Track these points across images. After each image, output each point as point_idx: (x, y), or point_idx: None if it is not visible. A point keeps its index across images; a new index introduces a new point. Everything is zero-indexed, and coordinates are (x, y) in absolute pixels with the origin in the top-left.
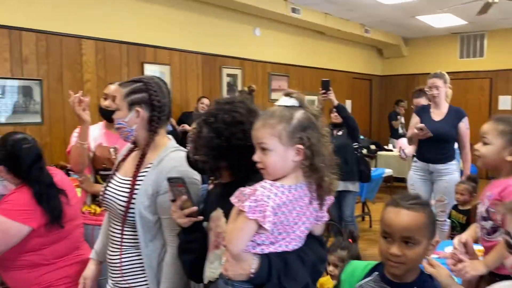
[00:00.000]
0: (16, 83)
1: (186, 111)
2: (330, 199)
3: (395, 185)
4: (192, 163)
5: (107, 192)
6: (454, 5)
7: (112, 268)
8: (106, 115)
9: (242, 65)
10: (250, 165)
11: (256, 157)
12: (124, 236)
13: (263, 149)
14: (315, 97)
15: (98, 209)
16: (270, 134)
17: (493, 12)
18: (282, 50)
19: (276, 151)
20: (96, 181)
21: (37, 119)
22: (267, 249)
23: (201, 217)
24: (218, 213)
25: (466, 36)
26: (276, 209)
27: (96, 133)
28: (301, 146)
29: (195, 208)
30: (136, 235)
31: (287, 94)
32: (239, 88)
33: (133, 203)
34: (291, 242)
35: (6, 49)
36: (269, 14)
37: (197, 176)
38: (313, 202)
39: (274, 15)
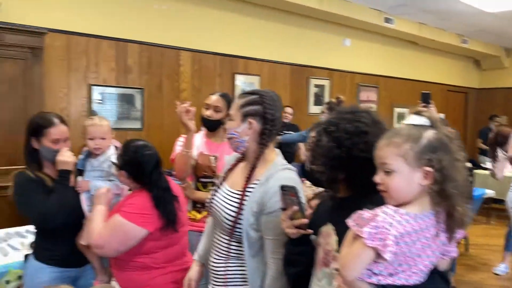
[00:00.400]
0: (120, 91)
1: None
2: (461, 233)
3: (493, 207)
4: (307, 173)
5: (214, 201)
6: None
7: (216, 275)
8: (207, 125)
9: (330, 76)
10: (370, 182)
11: (378, 178)
12: (231, 248)
13: (386, 171)
14: (405, 110)
15: (198, 216)
16: (395, 154)
17: None
18: (372, 60)
19: (401, 173)
20: (197, 188)
21: (138, 125)
22: (384, 281)
23: (310, 231)
24: (328, 229)
25: None
26: (398, 239)
27: (198, 141)
28: (429, 169)
29: (305, 221)
30: (242, 248)
31: (417, 112)
32: (326, 99)
33: (240, 219)
34: (412, 276)
35: (113, 59)
36: (361, 24)
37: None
38: (440, 234)
39: (365, 25)
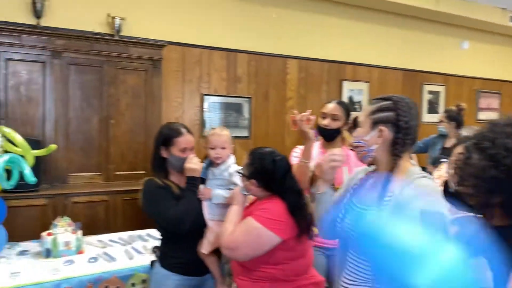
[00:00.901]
0: (230, 100)
1: None
2: None
3: None
4: (451, 194)
5: (346, 221)
6: None
7: None
8: (325, 134)
9: (445, 82)
10: None
11: None
12: (368, 270)
13: None
14: None
15: (316, 230)
16: None
17: None
18: (493, 64)
19: None
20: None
21: (245, 133)
22: None
23: None
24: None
25: None
26: None
27: (315, 152)
28: None
29: None
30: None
31: None
32: (441, 106)
33: None
34: None
35: (224, 69)
36: (481, 24)
37: (445, 209)
38: None
39: (487, 26)
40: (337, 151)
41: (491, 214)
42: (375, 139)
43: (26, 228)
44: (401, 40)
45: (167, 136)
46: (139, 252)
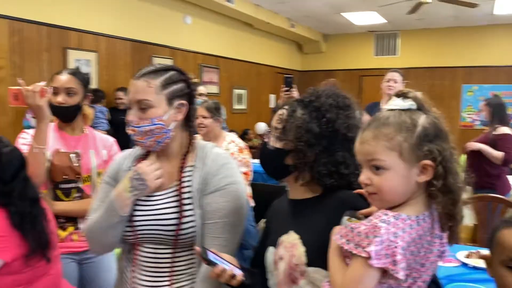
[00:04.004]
0: None
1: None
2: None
3: None
4: (267, 154)
5: (138, 218)
6: (384, 4)
7: None
8: (61, 114)
9: (173, 55)
10: (341, 175)
11: (364, 177)
12: (176, 261)
13: (377, 168)
14: (243, 91)
15: (63, 233)
16: (387, 148)
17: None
18: (213, 41)
19: (396, 170)
20: (57, 198)
21: None
22: None
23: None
24: (292, 238)
25: (382, 34)
26: (406, 250)
27: (49, 136)
28: (429, 162)
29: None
30: (191, 257)
31: (401, 94)
32: None
33: (184, 222)
34: None
35: None
36: (202, 1)
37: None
38: (435, 236)
39: (206, 3)
40: (144, 169)
41: (300, 179)
42: (173, 117)
43: None
44: (129, 8)
45: None
46: None
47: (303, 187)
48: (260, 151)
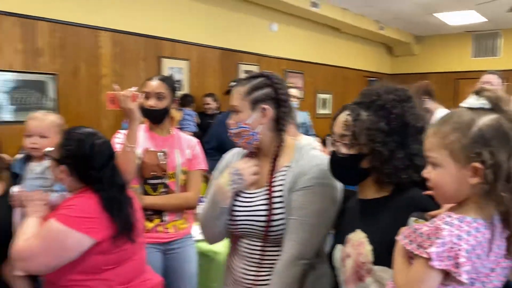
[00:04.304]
0: (31, 77)
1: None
2: None
3: None
4: (338, 162)
5: (236, 213)
6: (480, 2)
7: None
8: (152, 116)
9: (259, 61)
10: (408, 176)
11: (426, 172)
12: (266, 255)
13: (433, 164)
14: (328, 96)
15: (150, 225)
16: (439, 146)
17: None
18: (298, 46)
19: (447, 169)
20: (145, 192)
21: None
22: None
23: None
24: (359, 236)
25: (481, 34)
26: (470, 253)
27: (140, 137)
28: (478, 165)
29: None
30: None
31: (478, 92)
32: None
33: (273, 219)
34: None
35: (19, 40)
36: (288, 7)
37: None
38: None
39: (292, 9)
40: (241, 166)
41: (368, 186)
42: (259, 120)
43: None
44: (219, 18)
45: None
46: None
47: (374, 187)
48: (330, 161)
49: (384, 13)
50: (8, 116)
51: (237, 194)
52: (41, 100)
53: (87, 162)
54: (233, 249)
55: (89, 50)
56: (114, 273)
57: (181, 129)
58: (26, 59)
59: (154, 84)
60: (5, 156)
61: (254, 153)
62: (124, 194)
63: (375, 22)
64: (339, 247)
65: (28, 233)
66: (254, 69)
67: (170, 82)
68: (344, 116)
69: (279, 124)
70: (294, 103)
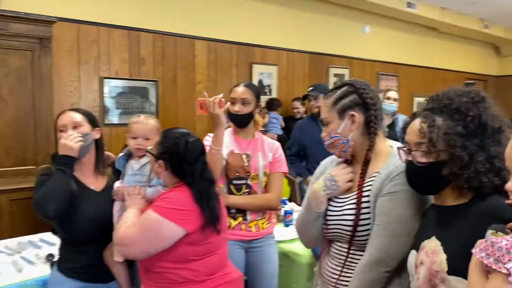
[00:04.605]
0: (133, 84)
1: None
2: None
3: None
4: (419, 173)
5: (328, 217)
6: None
7: (328, 282)
8: (237, 121)
9: (350, 65)
10: (488, 182)
11: (509, 185)
12: (349, 257)
13: None
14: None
15: (234, 222)
16: None
17: None
18: (392, 48)
19: None
20: (230, 192)
21: None
22: None
23: None
24: (434, 244)
25: None
26: None
27: (226, 139)
28: None
29: None
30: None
31: None
32: None
33: (359, 224)
34: None
35: (125, 50)
36: (381, 9)
37: None
38: None
39: (386, 11)
40: (336, 172)
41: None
42: (348, 127)
43: None
44: (307, 22)
45: (56, 119)
46: (30, 262)
47: (452, 193)
48: (408, 172)
49: (489, 11)
50: (114, 119)
51: (330, 199)
52: (143, 104)
53: (181, 157)
54: (326, 251)
55: (186, 58)
56: (201, 264)
57: (266, 131)
58: (131, 67)
59: (240, 90)
60: (110, 154)
61: (350, 160)
62: (213, 188)
63: (479, 20)
64: (413, 253)
65: (129, 222)
66: (345, 72)
67: (254, 88)
68: (417, 124)
69: (370, 127)
70: (394, 105)
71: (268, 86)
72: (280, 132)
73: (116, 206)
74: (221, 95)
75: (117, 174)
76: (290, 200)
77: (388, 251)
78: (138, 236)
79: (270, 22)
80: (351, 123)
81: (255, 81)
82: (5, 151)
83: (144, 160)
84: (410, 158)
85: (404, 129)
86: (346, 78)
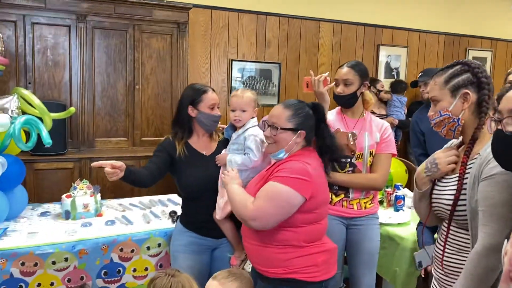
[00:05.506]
0: (259, 66)
1: None
2: None
3: None
4: (505, 141)
5: (434, 196)
6: None
7: (436, 261)
8: (340, 102)
9: (493, 47)
10: None
11: None
12: (450, 234)
13: None
14: None
15: (335, 198)
16: None
17: None
18: None
19: None
20: (334, 169)
21: (274, 101)
22: None
23: None
24: None
25: None
26: None
27: (332, 117)
28: None
29: None
30: (462, 235)
31: None
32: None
33: (459, 204)
34: None
35: (253, 33)
36: None
37: None
38: None
39: None
40: (439, 155)
41: None
42: (460, 106)
43: (52, 190)
44: (441, 1)
45: (195, 94)
46: (156, 216)
47: None
48: (493, 141)
49: None
50: None
51: (436, 180)
52: (266, 86)
53: (316, 120)
54: (439, 230)
55: (310, 40)
56: (304, 231)
57: (388, 115)
58: (257, 50)
59: (343, 71)
60: (220, 125)
61: (461, 143)
62: (327, 162)
63: None
64: (505, 242)
65: (247, 197)
66: (487, 55)
67: (358, 68)
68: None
69: (482, 107)
70: None
71: (396, 68)
72: (403, 117)
73: (222, 171)
74: (327, 73)
75: (226, 142)
76: (405, 187)
77: (503, 236)
78: (271, 208)
79: (400, 1)
80: (463, 102)
81: (381, 64)
82: (147, 123)
83: (241, 130)
84: (500, 127)
85: (499, 99)
86: (488, 61)
